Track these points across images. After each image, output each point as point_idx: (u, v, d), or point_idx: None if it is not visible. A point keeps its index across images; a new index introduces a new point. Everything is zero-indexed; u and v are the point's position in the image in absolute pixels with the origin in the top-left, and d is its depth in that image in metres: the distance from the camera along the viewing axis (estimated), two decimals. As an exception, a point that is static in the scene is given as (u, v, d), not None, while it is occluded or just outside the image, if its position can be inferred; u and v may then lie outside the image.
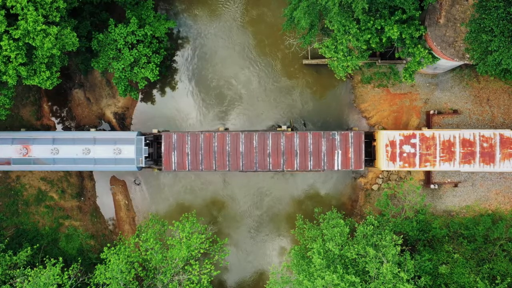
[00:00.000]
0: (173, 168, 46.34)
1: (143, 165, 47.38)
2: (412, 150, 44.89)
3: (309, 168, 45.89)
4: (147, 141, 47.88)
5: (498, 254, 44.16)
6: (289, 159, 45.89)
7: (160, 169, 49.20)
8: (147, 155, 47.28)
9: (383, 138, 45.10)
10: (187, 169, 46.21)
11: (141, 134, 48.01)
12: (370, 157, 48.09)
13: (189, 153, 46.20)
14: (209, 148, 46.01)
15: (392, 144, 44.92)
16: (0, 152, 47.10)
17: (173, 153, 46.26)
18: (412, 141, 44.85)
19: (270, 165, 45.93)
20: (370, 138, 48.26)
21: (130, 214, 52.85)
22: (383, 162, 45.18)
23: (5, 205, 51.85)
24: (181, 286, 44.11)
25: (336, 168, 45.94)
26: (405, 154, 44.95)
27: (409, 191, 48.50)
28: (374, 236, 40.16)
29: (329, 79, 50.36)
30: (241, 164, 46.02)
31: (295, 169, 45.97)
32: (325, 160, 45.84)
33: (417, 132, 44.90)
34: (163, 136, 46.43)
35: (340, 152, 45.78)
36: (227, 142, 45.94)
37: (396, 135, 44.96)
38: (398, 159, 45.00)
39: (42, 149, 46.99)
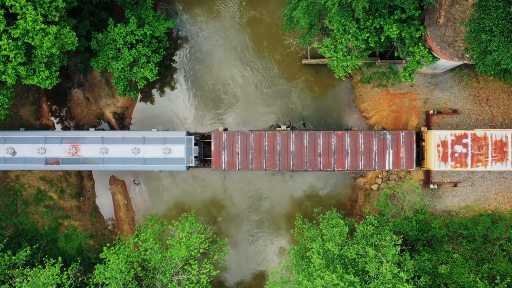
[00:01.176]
0: (223, 168, 46.22)
1: (193, 165, 47.26)
2: (464, 150, 44.71)
3: (360, 168, 45.78)
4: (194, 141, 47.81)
5: (497, 254, 44.16)
6: (340, 159, 45.71)
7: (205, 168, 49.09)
8: (196, 155, 47.23)
9: (434, 138, 44.85)
10: (237, 169, 46.15)
11: (188, 133, 47.94)
12: (418, 157, 47.84)
13: (240, 152, 46.09)
14: (259, 148, 45.86)
15: (444, 144, 44.73)
16: (49, 152, 47.00)
17: (223, 152, 46.14)
18: (464, 141, 44.69)
19: (321, 164, 45.75)
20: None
21: (130, 214, 52.81)
22: (434, 163, 44.95)
23: (4, 204, 51.80)
24: (181, 286, 44.07)
25: (387, 168, 45.88)
26: (456, 154, 44.78)
27: (408, 191, 48.49)
28: (374, 236, 40.15)
29: (328, 79, 50.33)
30: (291, 164, 45.87)
31: (346, 168, 45.82)
32: (376, 160, 45.75)
33: (469, 132, 44.70)
34: (213, 136, 46.30)
35: (391, 151, 45.73)
36: (277, 141, 45.76)
37: (448, 135, 44.79)
38: (449, 159, 44.83)
39: (91, 148, 46.92)
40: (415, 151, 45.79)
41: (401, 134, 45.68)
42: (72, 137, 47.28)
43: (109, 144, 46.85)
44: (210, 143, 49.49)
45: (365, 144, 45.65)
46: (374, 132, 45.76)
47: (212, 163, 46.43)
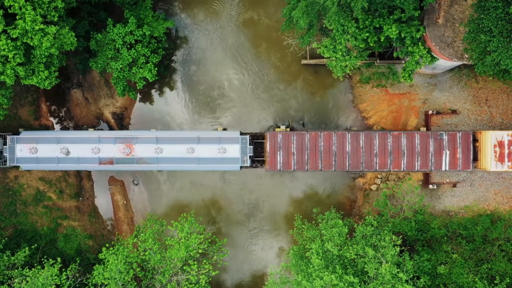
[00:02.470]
0: (279, 168, 46.11)
1: (248, 165, 47.17)
2: None
3: (416, 169, 45.65)
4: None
5: (496, 254, 44.17)
6: (396, 159, 45.60)
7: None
8: (251, 154, 47.16)
9: (490, 138, 44.63)
10: (293, 169, 46.02)
11: (241, 133, 47.88)
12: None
13: (295, 152, 45.97)
14: (315, 148, 45.76)
15: (501, 144, 44.56)
16: (103, 152, 47.13)
17: (278, 152, 46.02)
18: None
19: (377, 165, 45.70)
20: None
21: (129, 214, 52.78)
22: (490, 163, 44.73)
23: (4, 205, 51.75)
24: (180, 286, 44.03)
25: (443, 169, 45.64)
26: None
27: (407, 191, 48.50)
28: (373, 237, 40.14)
29: (328, 79, 50.33)
30: (347, 164, 45.79)
31: (402, 169, 45.75)
32: (432, 161, 45.57)
33: None
34: (268, 136, 46.19)
35: (447, 152, 45.52)
36: (333, 141, 45.65)
37: (505, 135, 44.56)
38: (506, 159, 44.67)
39: (146, 148, 47.04)
40: (472, 152, 45.53)
41: (457, 134, 45.39)
42: (126, 137, 47.31)
43: (164, 144, 46.92)
44: (259, 143, 49.45)
45: (422, 144, 45.46)
46: (430, 132, 45.57)
47: (267, 163, 46.25)
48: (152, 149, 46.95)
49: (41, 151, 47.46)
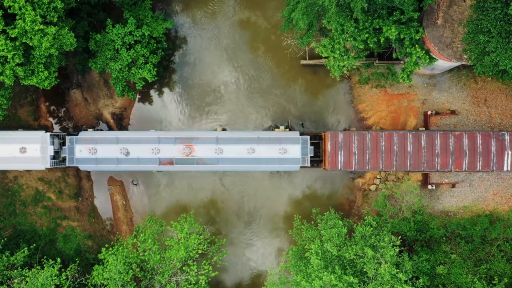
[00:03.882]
0: (339, 168, 46.03)
1: (308, 165, 46.96)
2: None
3: (477, 169, 45.43)
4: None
5: (495, 254, 44.23)
6: (458, 159, 45.39)
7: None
8: (312, 155, 46.98)
9: None
10: (353, 169, 46.02)
11: (300, 133, 47.69)
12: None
13: (356, 152, 45.92)
14: (376, 148, 45.72)
15: None
16: (163, 152, 47.00)
17: (339, 152, 45.96)
18: None
19: (438, 165, 45.50)
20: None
21: (128, 214, 52.79)
22: None
23: (3, 205, 51.75)
24: (179, 287, 44.07)
25: (505, 169, 45.46)
26: None
27: (407, 192, 48.54)
28: (373, 237, 40.18)
29: (327, 80, 50.35)
30: (408, 164, 45.69)
31: (463, 169, 45.52)
32: (494, 161, 45.34)
33: None
34: (329, 135, 46.05)
35: (510, 152, 45.27)
36: (394, 141, 45.56)
37: None
38: None
39: (206, 149, 46.81)
40: None
41: None
42: (186, 137, 47.13)
43: (224, 144, 46.72)
44: (316, 143, 49.14)
45: (483, 144, 45.24)
46: (492, 132, 45.36)
47: (327, 163, 46.10)
48: (212, 150, 46.71)
49: (101, 151, 47.23)
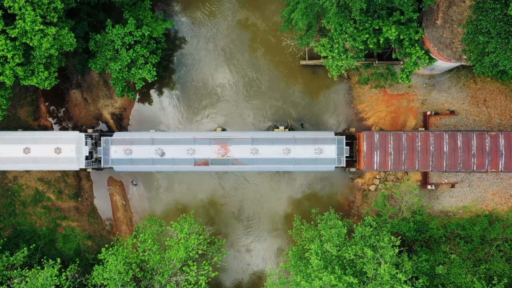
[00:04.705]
0: (375, 168, 45.98)
1: (344, 165, 46.96)
2: None
3: None
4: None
5: (494, 254, 44.31)
6: (494, 160, 45.22)
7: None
8: (348, 155, 46.90)
9: None
10: (389, 169, 45.97)
11: (335, 133, 47.63)
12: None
13: (392, 152, 45.84)
14: (412, 148, 45.61)
15: None
16: (198, 153, 47.00)
17: (375, 152, 45.89)
18: None
19: (475, 165, 45.40)
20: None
21: (128, 214, 52.80)
22: None
23: (3, 205, 51.73)
24: (179, 287, 44.10)
25: None
26: None
27: (406, 192, 48.60)
28: (372, 237, 40.22)
29: (326, 80, 50.34)
30: (444, 164, 45.56)
31: (500, 169, 45.42)
32: None
33: None
34: (364, 136, 45.99)
35: None
36: (430, 142, 45.43)
37: None
38: None
39: (241, 149, 46.77)
40: None
41: None
42: (222, 138, 47.15)
43: (259, 144, 46.66)
44: (349, 143, 49.00)
45: None
46: None
47: (363, 163, 46.09)
48: (248, 150, 46.68)
49: (136, 152, 47.23)
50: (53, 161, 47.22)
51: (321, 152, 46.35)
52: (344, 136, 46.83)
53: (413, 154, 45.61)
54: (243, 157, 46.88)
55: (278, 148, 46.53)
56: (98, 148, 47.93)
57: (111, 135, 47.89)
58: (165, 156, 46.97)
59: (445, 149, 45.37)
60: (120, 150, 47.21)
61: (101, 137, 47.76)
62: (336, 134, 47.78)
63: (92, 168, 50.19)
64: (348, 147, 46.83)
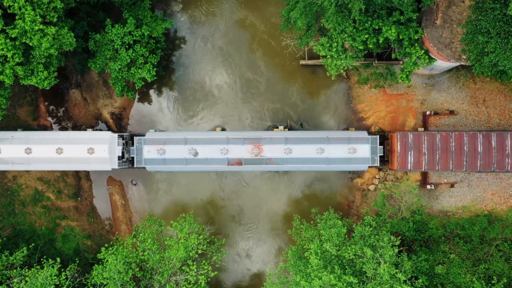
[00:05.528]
0: (409, 168, 45.92)
1: (378, 165, 46.97)
2: None
3: None
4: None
5: (494, 254, 44.36)
6: None
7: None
8: (382, 154, 46.90)
9: None
10: (423, 169, 45.91)
11: (368, 133, 47.66)
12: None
13: (426, 152, 45.77)
14: (446, 148, 45.57)
15: None
16: (232, 152, 47.00)
17: (409, 152, 45.82)
18: None
19: (509, 165, 45.33)
20: None
21: (127, 214, 52.81)
22: None
23: (2, 205, 51.73)
24: (178, 287, 44.12)
25: None
26: None
27: (405, 192, 48.63)
28: (372, 237, 40.25)
29: (326, 80, 50.37)
30: (478, 164, 45.49)
31: None
32: None
33: None
34: (398, 136, 45.91)
35: None
36: (464, 142, 45.36)
37: None
38: None
39: (275, 149, 46.73)
40: None
41: None
42: (255, 138, 47.05)
43: (293, 144, 46.64)
44: (380, 142, 48.78)
45: None
46: None
47: (396, 163, 46.03)
48: (281, 150, 46.66)
49: (169, 152, 47.22)
50: (85, 162, 47.41)
51: (355, 151, 46.34)
52: (378, 136, 46.86)
53: (447, 155, 45.59)
54: (276, 156, 46.89)
55: (312, 148, 46.51)
56: (131, 148, 48.07)
57: (144, 135, 47.92)
58: (198, 156, 47.00)
59: (479, 149, 45.40)
60: (153, 150, 47.27)
61: (134, 137, 47.84)
62: (370, 133, 47.87)
63: (124, 168, 50.26)
64: (381, 146, 46.92)
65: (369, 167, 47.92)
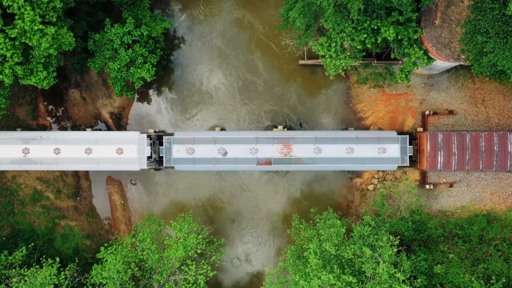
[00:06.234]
0: (439, 168, 45.82)
1: (407, 164, 46.93)
2: None
3: None
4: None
5: (492, 254, 44.38)
6: None
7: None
8: (411, 154, 46.85)
9: None
10: (453, 169, 45.76)
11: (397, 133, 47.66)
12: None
13: (456, 152, 45.69)
14: (476, 148, 45.46)
15: None
16: (261, 152, 46.98)
17: (439, 152, 45.74)
18: None
19: None
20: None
21: (126, 214, 52.82)
22: None
23: (1, 205, 51.72)
24: (177, 286, 44.13)
25: None
26: None
27: (404, 191, 48.67)
28: (371, 237, 40.27)
29: (325, 80, 50.45)
30: (508, 164, 45.41)
31: None
32: None
33: None
34: (428, 136, 45.80)
35: None
36: (494, 142, 45.26)
37: None
38: None
39: (304, 148, 46.75)
40: None
41: None
42: (284, 137, 47.09)
43: (322, 144, 46.64)
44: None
45: None
46: None
47: (426, 163, 45.92)
48: (311, 149, 46.66)
49: (198, 151, 47.26)
50: (114, 162, 47.56)
51: (385, 151, 46.41)
52: (408, 136, 46.80)
53: (477, 154, 45.54)
54: (306, 156, 46.92)
55: (341, 148, 46.54)
56: (160, 147, 48.13)
57: (172, 135, 47.89)
58: (227, 156, 47.06)
59: (509, 149, 45.32)
60: (182, 150, 47.31)
61: (164, 136, 47.86)
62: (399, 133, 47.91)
63: (153, 169, 50.44)
64: (411, 146, 46.92)
65: (398, 167, 47.99)
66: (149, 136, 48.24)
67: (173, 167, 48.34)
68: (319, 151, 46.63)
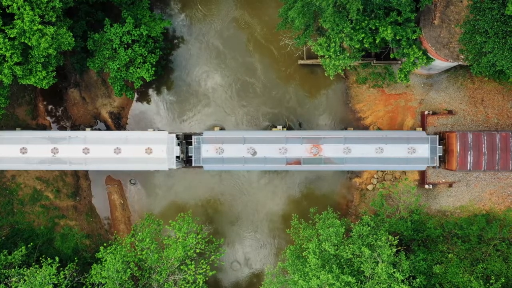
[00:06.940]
0: (468, 168, 45.50)
1: (437, 165, 46.71)
2: None
3: None
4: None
5: (492, 254, 44.41)
6: None
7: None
8: (441, 154, 46.66)
9: None
10: (483, 169, 45.47)
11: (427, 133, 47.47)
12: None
13: (486, 153, 45.43)
14: (506, 148, 45.15)
15: None
16: (290, 152, 46.70)
17: (469, 152, 45.46)
18: None
19: None
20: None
21: (126, 213, 52.85)
22: None
23: (0, 204, 51.74)
24: (177, 286, 44.16)
25: None
26: None
27: (404, 191, 48.71)
28: (370, 236, 40.30)
29: (324, 79, 50.46)
30: None
31: None
32: None
33: None
34: (457, 136, 45.53)
35: None
36: None
37: None
38: None
39: (334, 148, 46.42)
40: None
41: None
42: (313, 137, 46.76)
43: (352, 143, 46.40)
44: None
45: None
46: None
47: (457, 163, 45.61)
48: (340, 149, 46.38)
49: (227, 151, 46.96)
50: (143, 161, 47.38)
51: (414, 151, 46.18)
52: (438, 136, 46.65)
53: (507, 154, 45.26)
54: (335, 156, 46.64)
55: (371, 148, 46.32)
56: (189, 147, 47.87)
57: (201, 134, 47.79)
58: (257, 155, 46.85)
59: None
60: (211, 149, 46.99)
61: (193, 136, 47.64)
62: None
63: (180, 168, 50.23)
64: (440, 146, 46.71)
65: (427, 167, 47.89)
66: (176, 136, 48.04)
67: (201, 167, 48.09)
68: (349, 151, 46.37)
